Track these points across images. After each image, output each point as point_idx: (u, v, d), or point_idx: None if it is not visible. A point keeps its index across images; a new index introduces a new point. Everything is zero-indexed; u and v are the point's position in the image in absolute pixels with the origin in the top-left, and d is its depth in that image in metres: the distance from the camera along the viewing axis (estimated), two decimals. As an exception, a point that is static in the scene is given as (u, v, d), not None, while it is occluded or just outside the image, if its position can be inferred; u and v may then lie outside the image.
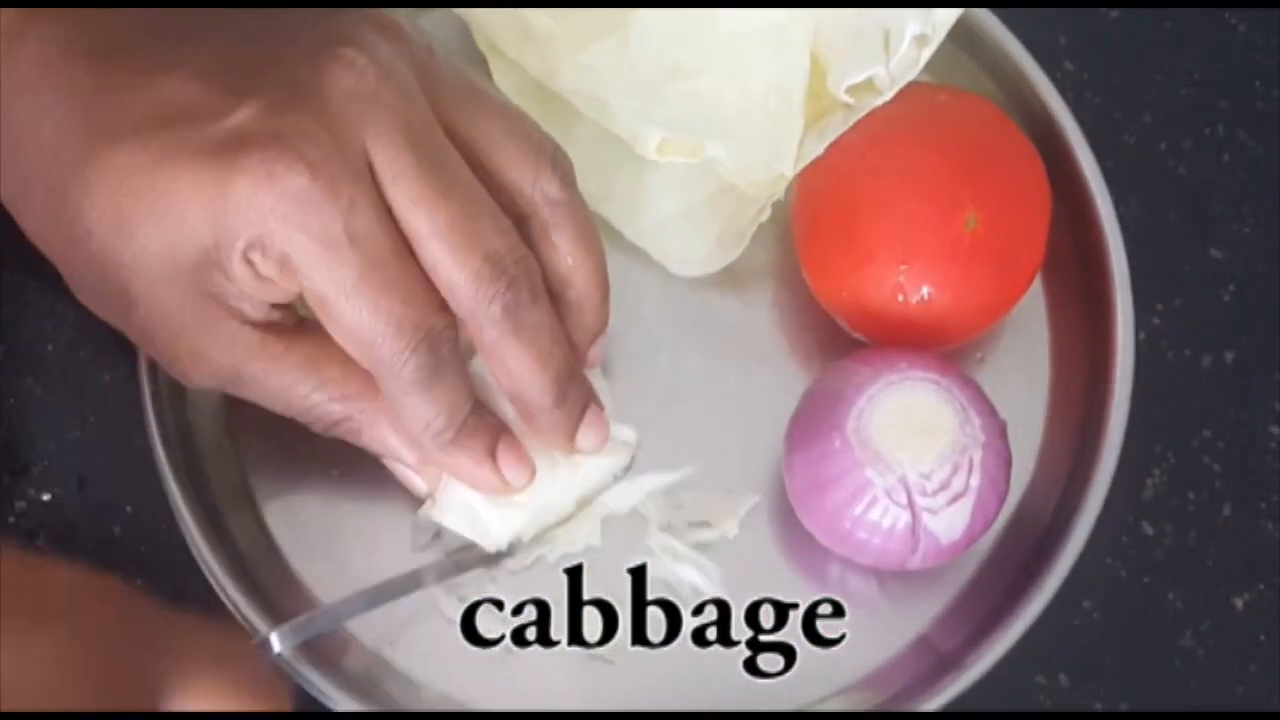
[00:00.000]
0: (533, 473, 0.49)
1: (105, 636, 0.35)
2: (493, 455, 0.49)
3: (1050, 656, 0.52)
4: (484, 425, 0.48)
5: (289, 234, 0.43)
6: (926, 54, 0.52)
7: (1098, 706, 0.53)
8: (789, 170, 0.52)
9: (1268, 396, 0.56)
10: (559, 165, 0.48)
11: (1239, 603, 0.54)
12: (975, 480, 0.48)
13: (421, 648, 0.51)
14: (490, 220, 0.46)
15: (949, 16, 0.52)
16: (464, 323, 0.46)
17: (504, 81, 0.55)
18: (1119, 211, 0.54)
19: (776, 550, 0.53)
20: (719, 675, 0.51)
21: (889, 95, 0.51)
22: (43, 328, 0.55)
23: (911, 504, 0.48)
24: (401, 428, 0.48)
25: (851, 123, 0.51)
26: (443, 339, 0.45)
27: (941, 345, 0.52)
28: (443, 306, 0.45)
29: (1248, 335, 0.57)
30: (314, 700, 0.49)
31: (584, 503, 0.51)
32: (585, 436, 0.50)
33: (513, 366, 0.47)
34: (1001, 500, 0.49)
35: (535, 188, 0.47)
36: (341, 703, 0.49)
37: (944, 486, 0.48)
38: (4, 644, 0.33)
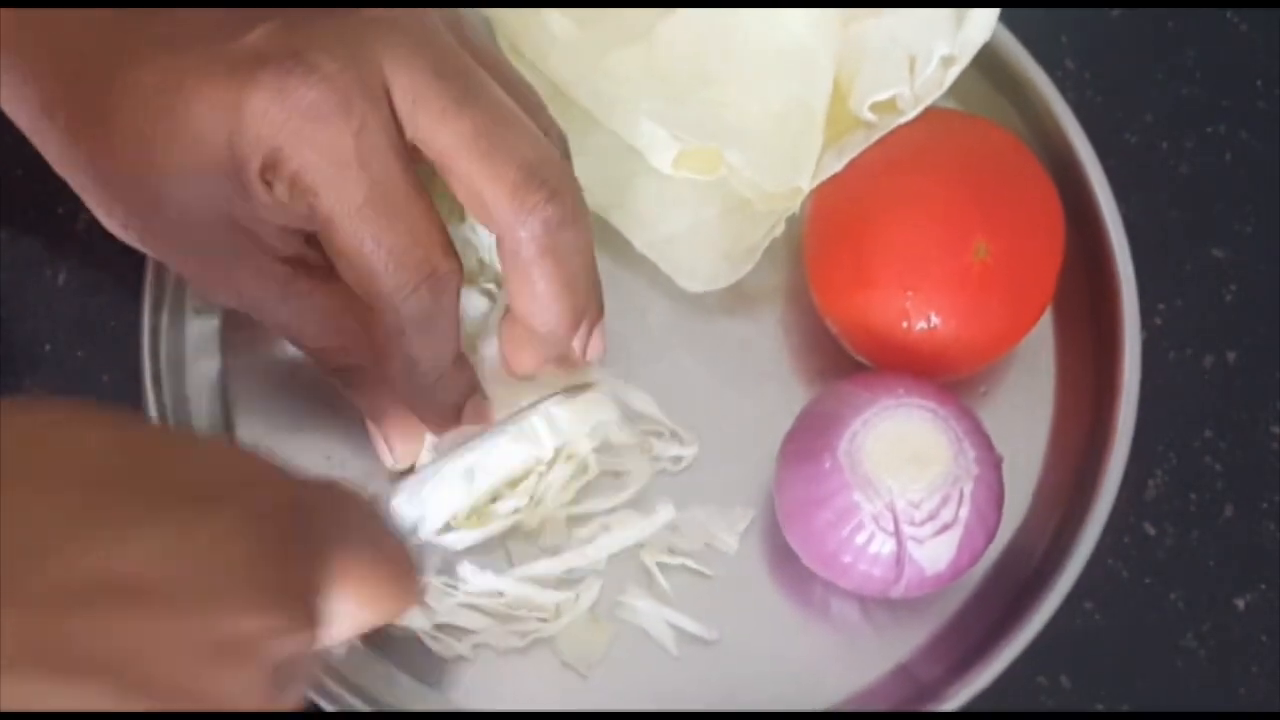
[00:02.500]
0: (490, 426, 0.49)
1: (270, 515, 0.34)
2: (458, 413, 0.48)
3: (1052, 657, 0.52)
4: (461, 380, 0.48)
5: (298, 149, 0.42)
6: (952, 74, 0.52)
7: (1099, 707, 0.53)
8: (806, 184, 0.51)
9: (1269, 396, 0.56)
10: (561, 144, 0.48)
11: (1240, 603, 0.54)
12: (964, 512, 0.47)
13: (397, 648, 0.51)
14: (523, 128, 0.44)
15: (977, 37, 0.52)
16: (500, 242, 0.45)
17: None
18: (1120, 210, 0.54)
19: (764, 568, 0.52)
20: (693, 688, 0.51)
21: (911, 115, 0.51)
22: (42, 328, 0.55)
23: (898, 531, 0.47)
24: (395, 394, 0.48)
25: (872, 141, 0.51)
26: (446, 285, 0.44)
27: (945, 374, 0.51)
28: (449, 250, 0.44)
29: (1250, 335, 0.57)
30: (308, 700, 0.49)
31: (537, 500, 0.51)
32: (593, 349, 0.49)
33: (541, 289, 0.45)
34: (990, 536, 0.49)
35: None
36: (327, 700, 0.49)
37: (932, 516, 0.47)
38: (175, 530, 0.33)
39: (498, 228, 0.44)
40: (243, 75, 0.42)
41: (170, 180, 0.44)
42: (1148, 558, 0.54)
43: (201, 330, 0.54)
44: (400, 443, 0.50)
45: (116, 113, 0.44)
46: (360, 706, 0.49)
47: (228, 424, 0.53)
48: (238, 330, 0.54)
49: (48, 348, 0.55)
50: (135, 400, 0.52)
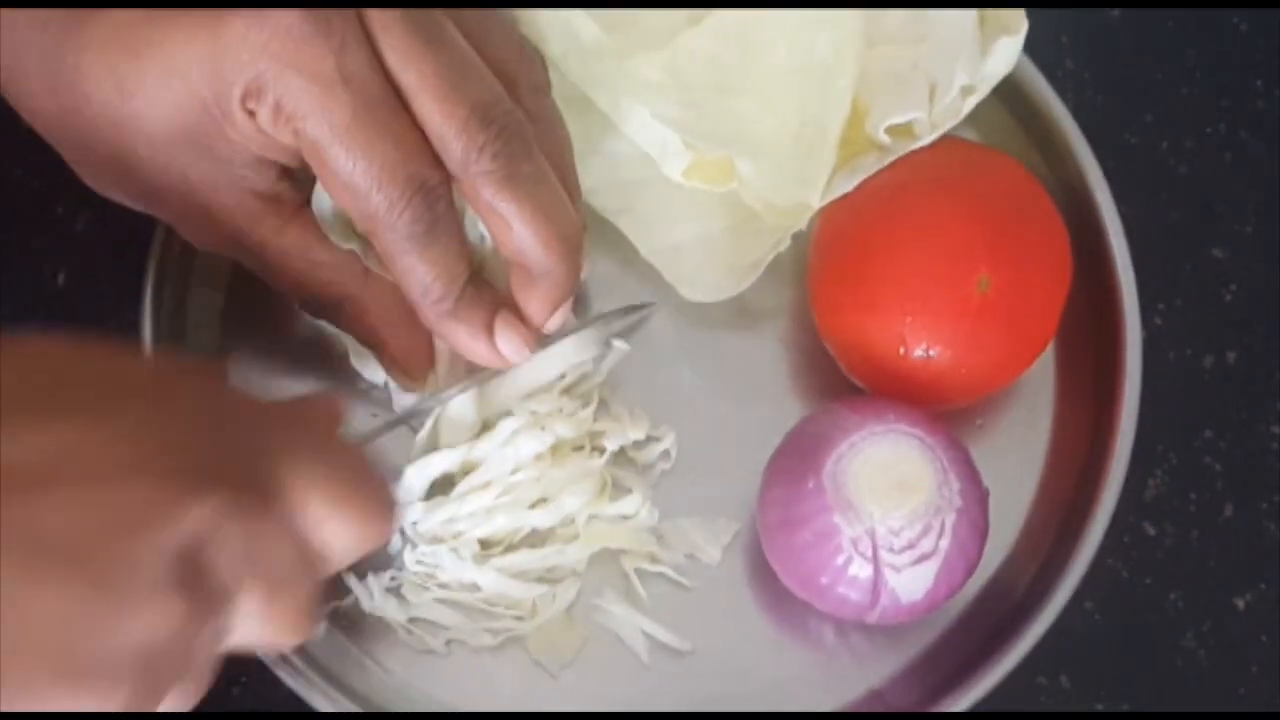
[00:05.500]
0: (530, 348, 0.49)
1: (192, 412, 0.37)
2: (490, 329, 0.48)
3: (1051, 657, 0.52)
4: (483, 297, 0.48)
5: (281, 72, 0.43)
6: (971, 103, 0.52)
7: (1099, 707, 0.53)
8: (815, 201, 0.51)
9: (1269, 396, 0.56)
10: (537, 69, 0.49)
11: (1240, 603, 0.54)
12: (944, 544, 0.47)
13: (371, 637, 0.51)
14: (477, 75, 0.45)
15: (999, 69, 0.52)
16: (460, 184, 0.46)
17: None
18: (1120, 210, 0.54)
19: (744, 583, 0.52)
20: (661, 697, 0.51)
21: (927, 141, 0.51)
22: (42, 328, 0.55)
23: (876, 558, 0.47)
24: (395, 319, 0.49)
25: (885, 164, 0.51)
26: (438, 194, 0.45)
27: (939, 404, 0.51)
28: (437, 162, 0.45)
29: (1249, 335, 0.57)
30: (301, 701, 0.49)
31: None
32: (557, 318, 0.49)
33: (515, 222, 0.46)
34: (970, 569, 0.48)
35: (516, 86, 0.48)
36: (298, 681, 0.49)
37: (911, 545, 0.47)
38: (81, 423, 0.35)
39: (454, 168, 0.45)
40: (218, 5, 0.43)
41: (146, 117, 0.44)
42: (1148, 558, 0.54)
43: (202, 330, 0.54)
44: (407, 362, 0.50)
45: (88, 51, 0.44)
46: (333, 692, 0.49)
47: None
48: (235, 326, 0.54)
49: (48, 348, 0.55)
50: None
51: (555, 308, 0.49)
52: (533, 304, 0.48)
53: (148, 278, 0.53)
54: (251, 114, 0.44)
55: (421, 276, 0.46)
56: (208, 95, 0.43)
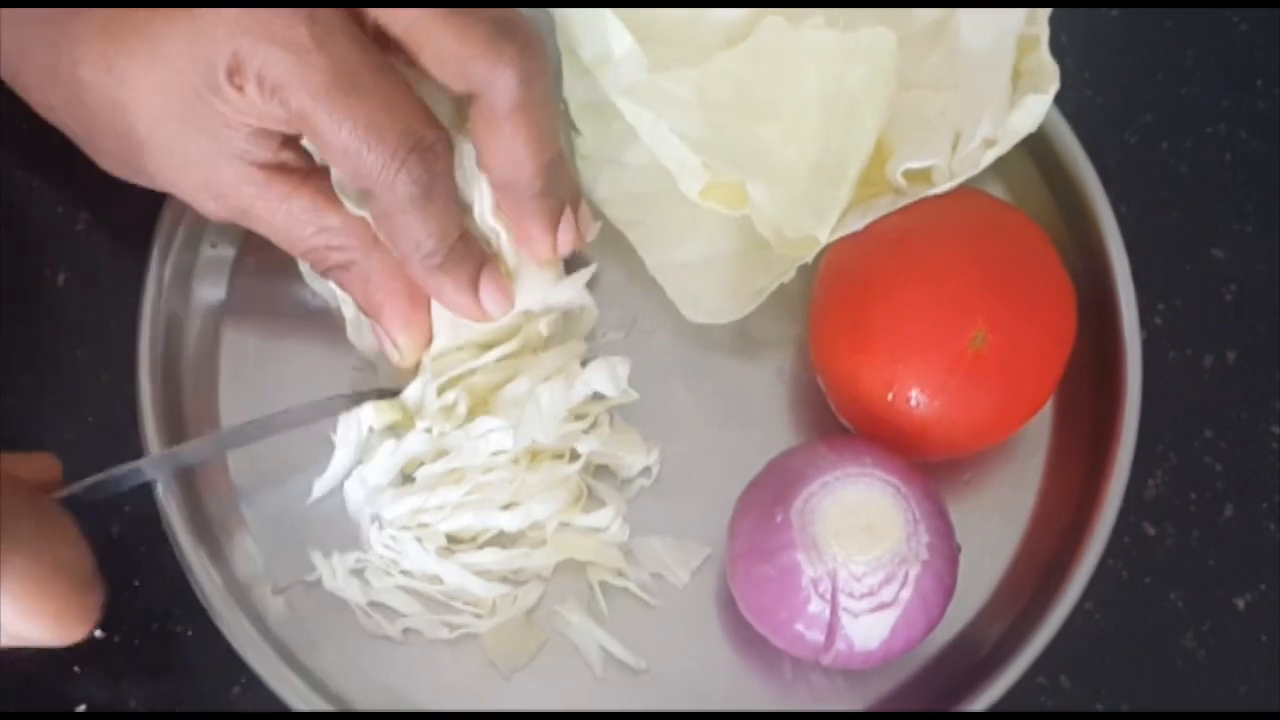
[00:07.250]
0: (511, 304, 0.50)
1: None
2: (475, 284, 0.49)
3: (1051, 657, 0.52)
4: (470, 253, 0.49)
5: (256, 45, 0.43)
6: (991, 156, 0.52)
7: (1099, 707, 0.53)
8: (824, 235, 0.51)
9: (1269, 396, 0.56)
10: (537, 45, 0.49)
11: (1240, 603, 0.54)
12: (906, 595, 0.46)
13: (328, 618, 0.51)
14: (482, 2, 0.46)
15: (1023, 124, 0.52)
16: (476, 96, 0.46)
17: (573, 87, 0.55)
18: (1119, 211, 0.54)
19: (710, 609, 0.52)
20: (612, 707, 0.51)
21: (943, 189, 0.51)
22: (42, 328, 0.55)
23: (834, 600, 0.46)
24: (391, 278, 0.49)
25: (898, 207, 0.51)
26: (435, 152, 0.45)
27: (925, 455, 0.50)
28: (432, 120, 0.45)
29: (1249, 335, 0.57)
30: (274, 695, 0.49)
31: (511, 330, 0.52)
32: (564, 236, 0.50)
33: (514, 145, 0.47)
34: (931, 625, 0.48)
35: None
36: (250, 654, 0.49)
37: (871, 592, 0.46)
38: None
39: (473, 85, 0.45)
40: None
41: (141, 100, 0.45)
42: (1147, 558, 0.54)
43: (206, 288, 0.55)
44: (402, 334, 0.50)
45: (81, 41, 0.45)
46: (282, 668, 0.49)
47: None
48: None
49: (48, 348, 0.55)
50: (134, 402, 0.52)
51: (551, 226, 0.49)
52: (535, 228, 0.49)
53: (156, 237, 0.53)
54: (240, 89, 0.44)
55: (416, 234, 0.47)
56: (194, 78, 0.44)
